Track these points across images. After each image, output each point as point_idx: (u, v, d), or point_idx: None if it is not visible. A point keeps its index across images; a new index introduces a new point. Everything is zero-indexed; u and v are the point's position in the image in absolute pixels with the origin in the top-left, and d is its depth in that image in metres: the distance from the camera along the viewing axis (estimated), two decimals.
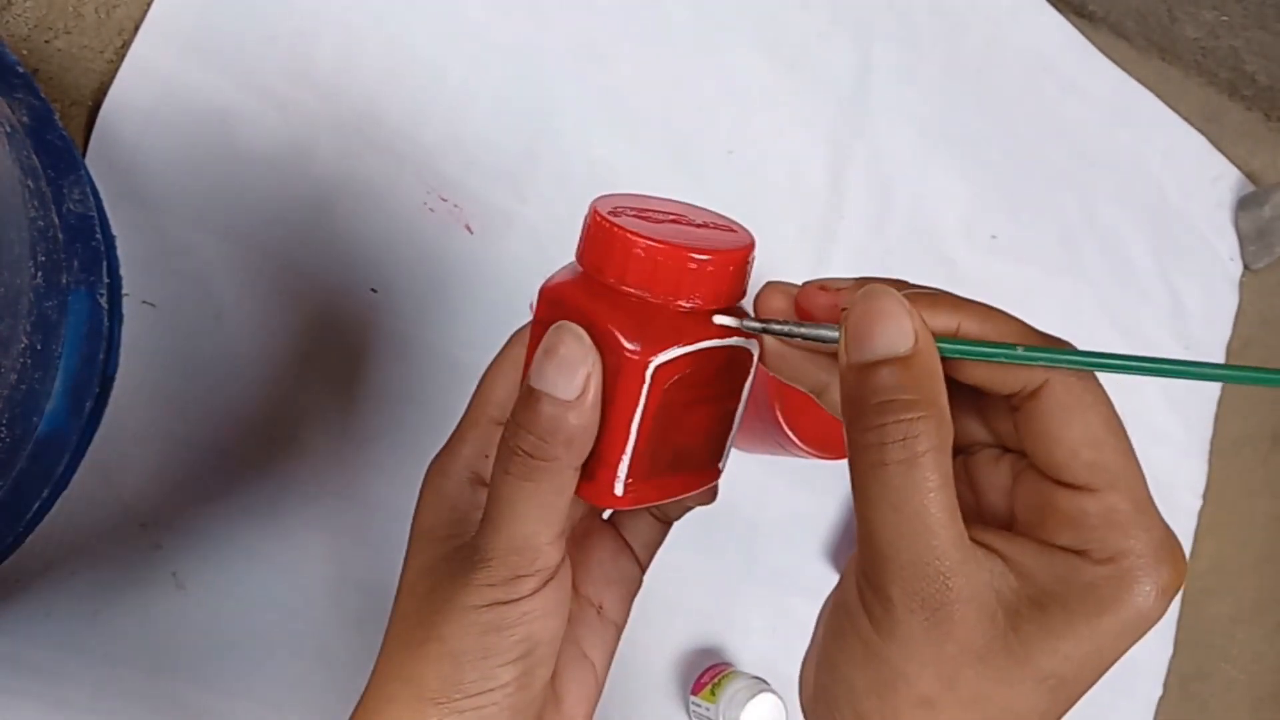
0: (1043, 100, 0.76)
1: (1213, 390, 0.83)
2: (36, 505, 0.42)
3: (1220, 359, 0.83)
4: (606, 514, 0.34)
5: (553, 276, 0.27)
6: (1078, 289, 0.76)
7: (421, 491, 0.30)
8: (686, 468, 0.28)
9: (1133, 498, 0.22)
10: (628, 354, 0.24)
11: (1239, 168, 0.85)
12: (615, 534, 0.32)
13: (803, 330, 0.25)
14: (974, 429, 0.26)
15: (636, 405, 0.25)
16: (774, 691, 0.55)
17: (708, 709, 0.56)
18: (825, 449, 0.53)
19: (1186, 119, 0.83)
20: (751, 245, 0.26)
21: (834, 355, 0.25)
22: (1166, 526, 0.23)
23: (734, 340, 0.26)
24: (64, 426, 0.41)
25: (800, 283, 0.26)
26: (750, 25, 0.65)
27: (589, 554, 0.32)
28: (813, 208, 0.66)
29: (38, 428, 0.40)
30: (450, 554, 0.28)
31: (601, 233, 0.25)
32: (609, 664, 0.32)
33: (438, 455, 0.30)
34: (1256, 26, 0.77)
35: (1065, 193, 0.77)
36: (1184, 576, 0.22)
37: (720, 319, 0.26)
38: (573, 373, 0.24)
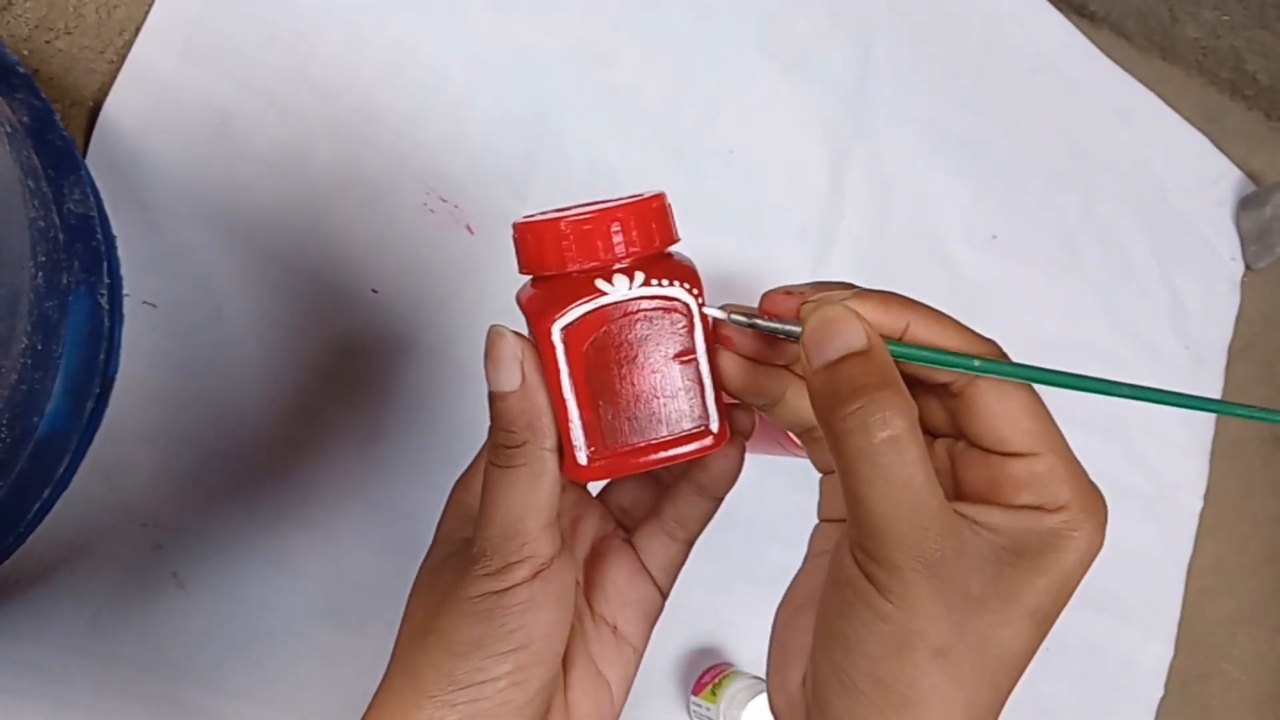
0: (1043, 100, 0.76)
1: (1214, 391, 0.83)
2: (37, 506, 0.42)
3: (1221, 359, 0.83)
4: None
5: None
6: (1078, 289, 0.76)
7: (445, 505, 0.32)
8: (659, 429, 0.28)
9: (1066, 456, 0.26)
10: (539, 325, 0.27)
11: (1240, 167, 0.85)
12: (632, 555, 0.33)
13: (768, 324, 0.27)
14: None
15: (560, 370, 0.27)
16: None
17: (708, 709, 0.56)
18: None
19: (1187, 119, 0.83)
20: (639, 200, 0.27)
21: (786, 362, 0.29)
22: (1086, 474, 0.26)
23: (645, 290, 0.27)
24: (64, 427, 0.41)
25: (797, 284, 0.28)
26: (750, 25, 0.65)
27: (604, 573, 0.32)
28: (813, 207, 0.66)
29: (38, 428, 0.40)
30: (454, 553, 0.29)
31: (513, 234, 0.28)
32: (628, 687, 0.32)
33: (463, 473, 0.32)
34: (1257, 26, 0.77)
35: (1065, 193, 0.77)
36: (1107, 513, 0.26)
37: (708, 310, 0.28)
38: (507, 366, 0.27)
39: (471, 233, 0.55)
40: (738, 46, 0.64)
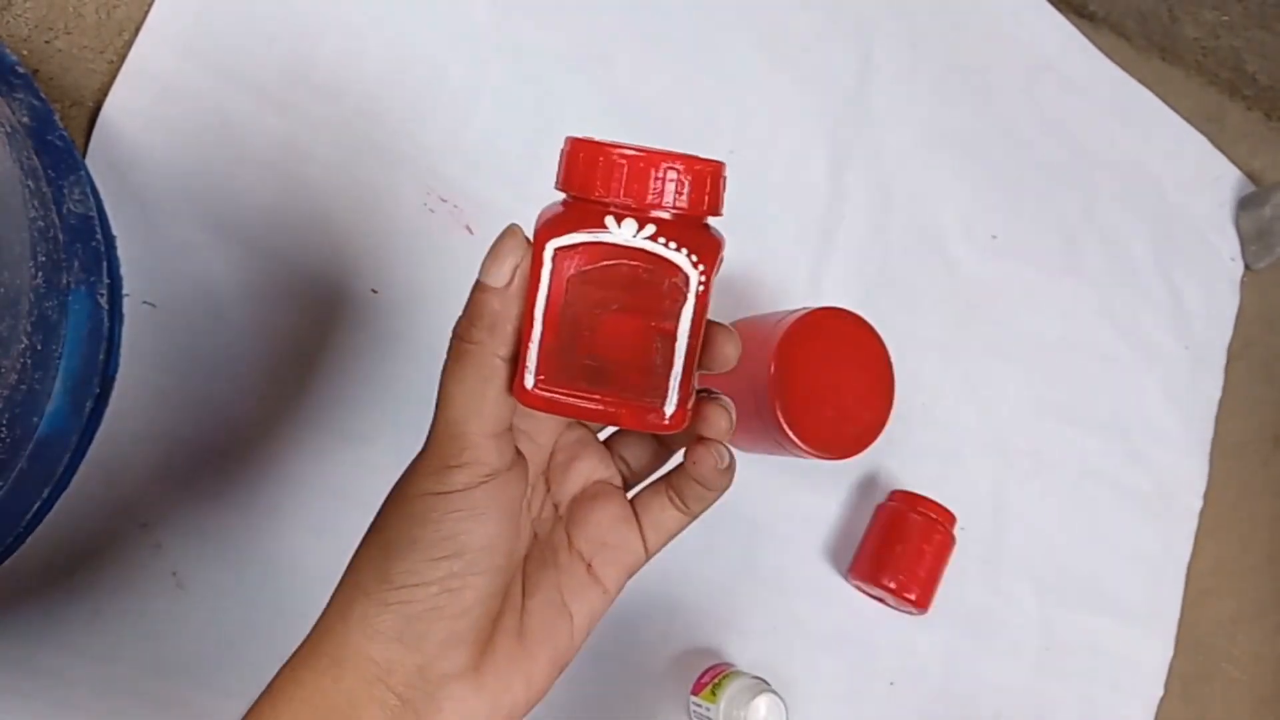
0: (1043, 100, 0.76)
1: (1213, 391, 0.83)
2: (37, 505, 0.42)
3: (1221, 359, 0.83)
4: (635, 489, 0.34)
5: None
6: (1078, 289, 0.76)
7: None
8: (612, 387, 0.27)
9: None
10: (538, 238, 0.26)
11: (1240, 167, 0.85)
12: (624, 503, 0.33)
13: None
14: None
15: (539, 288, 0.26)
16: (774, 691, 0.55)
17: (708, 709, 0.56)
18: (825, 449, 0.53)
19: (1187, 119, 0.83)
20: (689, 157, 0.26)
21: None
22: None
23: (649, 245, 0.26)
24: (64, 427, 0.41)
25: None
26: (750, 25, 0.65)
27: (590, 512, 0.32)
28: (813, 207, 0.66)
29: (38, 428, 0.40)
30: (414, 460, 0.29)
31: (563, 148, 0.27)
32: (589, 627, 0.32)
33: None
34: (1257, 26, 0.77)
35: (1065, 193, 0.77)
36: None
37: None
38: (502, 263, 0.27)
39: (471, 233, 0.55)
40: (738, 46, 0.64)
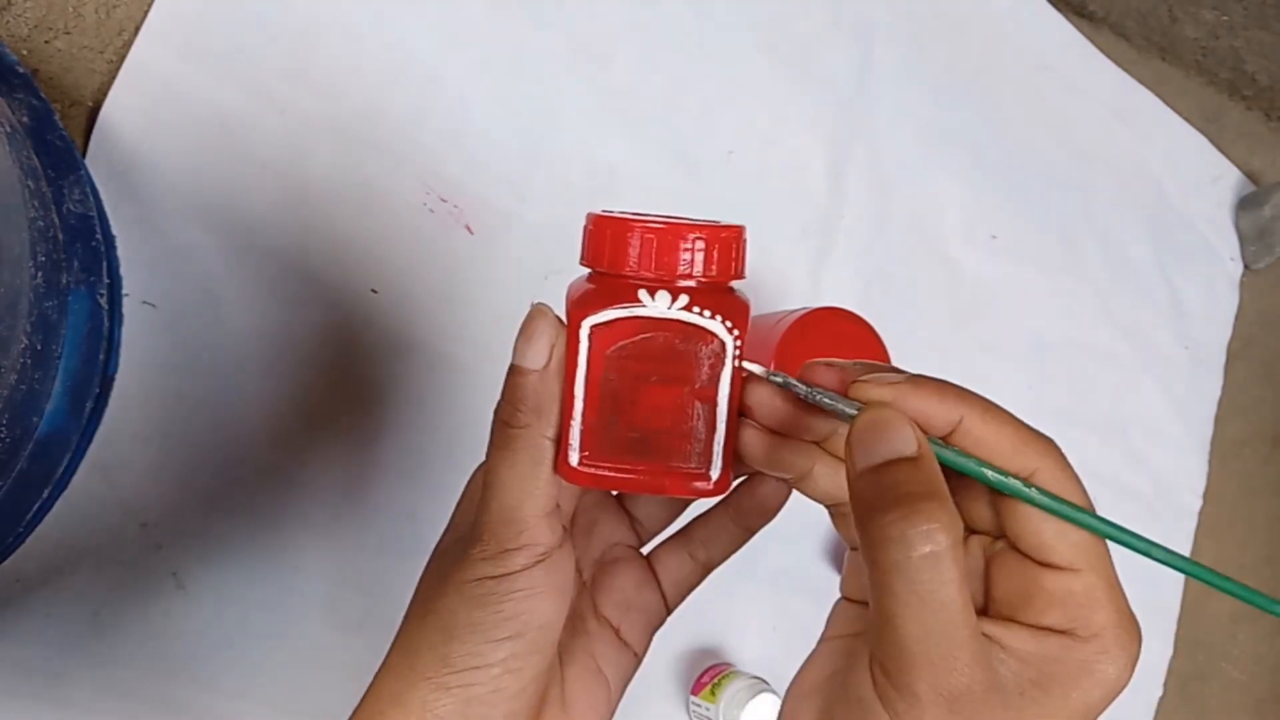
0: (1043, 100, 0.76)
1: (1213, 391, 0.83)
2: (37, 505, 0.42)
3: (1220, 359, 0.83)
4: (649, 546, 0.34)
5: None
6: (1078, 289, 0.76)
7: (464, 490, 0.32)
8: (656, 457, 0.28)
9: (1107, 576, 0.25)
10: (572, 317, 0.27)
11: (1239, 167, 0.85)
12: (643, 564, 0.33)
13: (825, 399, 0.26)
14: None
15: (578, 366, 0.27)
16: (774, 692, 0.55)
17: (708, 709, 0.56)
18: None
19: (1187, 119, 0.83)
20: (713, 226, 0.27)
21: (814, 438, 0.28)
22: (1127, 601, 0.25)
23: (684, 315, 0.26)
24: (64, 427, 0.41)
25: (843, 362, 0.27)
26: (750, 25, 0.65)
27: (613, 578, 0.32)
28: (813, 208, 0.66)
29: (38, 428, 0.40)
30: (461, 538, 0.29)
31: (585, 224, 0.28)
32: (624, 687, 0.32)
33: (481, 464, 0.32)
34: (1257, 26, 0.77)
35: (1065, 193, 0.77)
36: (1141, 645, 0.25)
37: (748, 365, 0.27)
38: (539, 344, 0.27)
39: (471, 233, 0.55)
40: (738, 46, 0.64)
